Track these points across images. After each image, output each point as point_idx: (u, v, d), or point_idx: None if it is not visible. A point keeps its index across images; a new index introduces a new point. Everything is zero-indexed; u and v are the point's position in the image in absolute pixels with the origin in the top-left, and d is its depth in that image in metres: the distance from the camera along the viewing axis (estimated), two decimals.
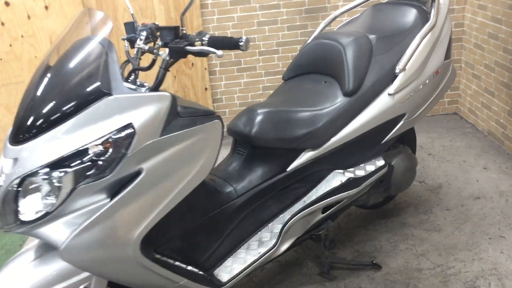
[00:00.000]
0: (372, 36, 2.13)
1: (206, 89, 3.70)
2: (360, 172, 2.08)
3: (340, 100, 2.03)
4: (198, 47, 1.47)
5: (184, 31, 1.55)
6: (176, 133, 1.45)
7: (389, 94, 2.08)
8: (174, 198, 1.51)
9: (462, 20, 3.66)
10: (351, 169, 2.10)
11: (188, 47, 1.48)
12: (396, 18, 2.27)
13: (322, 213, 2.07)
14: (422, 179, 2.96)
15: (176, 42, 1.50)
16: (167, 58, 1.53)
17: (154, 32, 1.69)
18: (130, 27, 1.71)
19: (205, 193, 1.79)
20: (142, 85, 1.57)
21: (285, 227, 1.94)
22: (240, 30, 3.60)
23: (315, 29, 2.55)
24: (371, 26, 2.29)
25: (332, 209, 2.08)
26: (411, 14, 2.24)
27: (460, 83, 3.82)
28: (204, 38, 1.51)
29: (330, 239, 2.33)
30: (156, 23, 1.90)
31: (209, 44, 1.50)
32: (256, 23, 3.59)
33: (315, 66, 2.23)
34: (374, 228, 2.53)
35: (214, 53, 1.44)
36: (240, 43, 1.47)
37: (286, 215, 1.98)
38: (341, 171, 2.08)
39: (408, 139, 2.57)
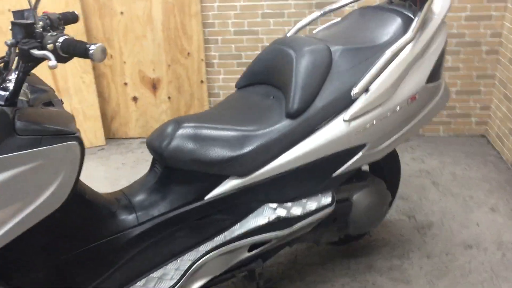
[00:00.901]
0: (336, 47, 1.76)
1: (202, 82, 3.42)
2: (296, 210, 1.73)
3: (280, 122, 1.69)
4: (42, 52, 1.19)
5: (40, 30, 1.26)
6: (8, 155, 1.19)
7: (344, 120, 1.71)
8: (7, 234, 1.25)
9: (500, 29, 3.13)
10: (288, 204, 1.76)
11: (34, 51, 1.20)
12: (374, 27, 1.87)
13: (249, 251, 1.76)
14: (413, 214, 2.54)
15: (24, 42, 1.23)
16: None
17: (55, 25, 1.43)
18: (19, 16, 1.44)
19: (91, 218, 1.54)
20: (5, 89, 1.31)
21: (197, 264, 1.65)
22: (243, 21, 3.27)
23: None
24: (345, 34, 1.91)
25: (261, 248, 1.76)
26: (393, 24, 1.84)
27: (491, 102, 3.30)
28: (59, 41, 1.22)
29: (266, 278, 2.01)
30: (77, 12, 1.65)
31: (62, 48, 1.22)
32: (261, 15, 3.25)
33: (268, 75, 1.89)
34: (333, 267, 2.18)
35: (50, 59, 1.16)
36: (89, 51, 1.18)
37: (201, 250, 1.69)
38: (274, 205, 1.74)
39: (388, 169, 2.18)
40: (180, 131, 1.63)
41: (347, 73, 1.73)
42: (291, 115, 1.68)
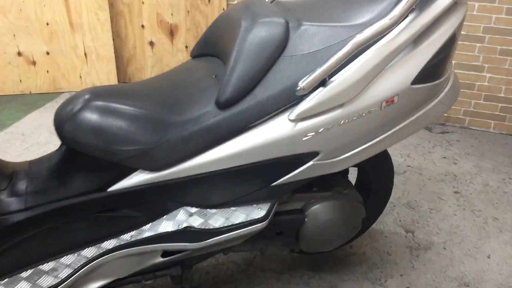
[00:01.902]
0: (297, 23, 1.35)
1: None
2: (215, 221, 1.41)
3: (207, 111, 1.34)
4: None
5: None
6: None
7: (290, 120, 1.33)
8: None
9: None
10: (211, 211, 1.44)
11: None
12: (363, 0, 1.43)
13: (163, 256, 1.48)
14: (413, 228, 2.12)
15: None
16: None
17: None
18: None
19: None
20: None
21: (95, 262, 1.42)
22: None
23: None
24: (324, 6, 1.48)
25: (175, 256, 1.47)
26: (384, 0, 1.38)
27: None
28: None
29: (194, 284, 1.73)
30: None
31: None
32: None
33: (219, 48, 1.53)
34: (290, 279, 1.85)
35: None
36: None
37: (103, 247, 1.44)
38: (193, 210, 1.44)
39: (376, 177, 1.77)
40: (88, 107, 1.34)
41: (304, 59, 1.33)
42: (220, 104, 1.33)
